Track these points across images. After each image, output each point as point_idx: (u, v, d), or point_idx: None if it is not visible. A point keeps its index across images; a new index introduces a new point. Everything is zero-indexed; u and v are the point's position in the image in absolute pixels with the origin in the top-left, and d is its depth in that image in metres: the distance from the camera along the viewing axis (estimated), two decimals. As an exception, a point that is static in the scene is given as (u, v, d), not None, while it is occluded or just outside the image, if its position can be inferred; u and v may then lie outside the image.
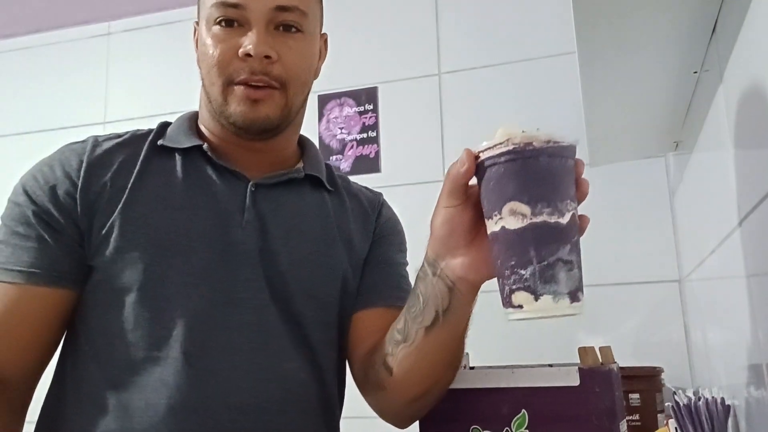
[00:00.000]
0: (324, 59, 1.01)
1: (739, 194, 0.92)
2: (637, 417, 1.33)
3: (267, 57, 0.82)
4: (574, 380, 0.76)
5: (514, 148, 0.61)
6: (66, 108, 2.26)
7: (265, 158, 0.91)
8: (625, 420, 0.79)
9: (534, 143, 0.60)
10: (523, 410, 0.77)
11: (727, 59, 0.93)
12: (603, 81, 1.17)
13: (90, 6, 2.28)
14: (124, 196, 0.82)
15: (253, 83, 0.83)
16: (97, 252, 0.80)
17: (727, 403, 1.02)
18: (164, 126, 0.93)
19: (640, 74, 1.15)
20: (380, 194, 1.05)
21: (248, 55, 0.82)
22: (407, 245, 1.02)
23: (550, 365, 0.80)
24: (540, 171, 0.60)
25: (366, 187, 1.05)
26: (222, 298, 0.80)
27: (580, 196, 0.65)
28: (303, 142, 1.00)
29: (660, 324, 1.66)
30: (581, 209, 0.68)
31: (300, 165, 0.94)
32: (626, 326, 1.68)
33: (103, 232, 0.80)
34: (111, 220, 0.80)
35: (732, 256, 1.00)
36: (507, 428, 0.76)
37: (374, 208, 1.00)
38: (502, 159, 0.62)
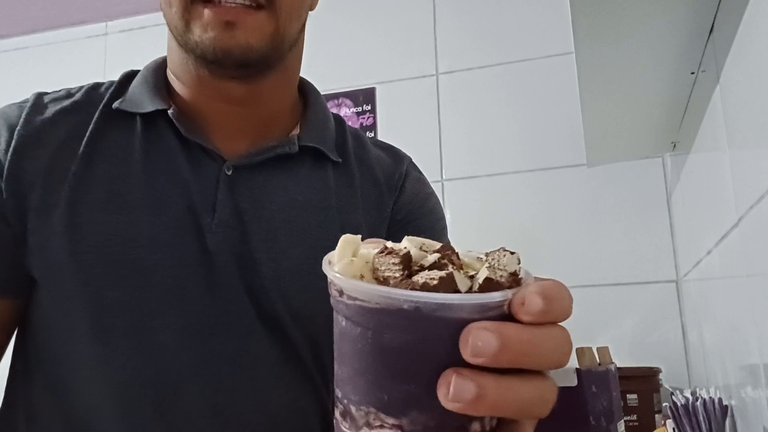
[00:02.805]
0: None
1: (736, 195, 0.92)
2: (634, 417, 1.34)
3: None
4: (572, 380, 0.76)
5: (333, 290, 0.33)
6: (63, 108, 2.26)
7: (250, 117, 0.69)
8: (622, 420, 0.80)
9: (344, 288, 0.31)
10: (521, 411, 0.77)
11: (724, 60, 0.93)
12: (600, 81, 1.17)
13: (87, 6, 2.28)
14: (66, 189, 0.62)
15: (226, 2, 0.60)
16: (36, 263, 0.62)
17: (724, 403, 1.02)
18: (129, 78, 0.71)
19: (638, 75, 1.15)
20: (405, 160, 0.79)
21: None
22: None
23: (548, 365, 0.80)
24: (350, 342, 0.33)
25: (388, 149, 0.80)
26: (197, 325, 0.62)
27: (451, 400, 0.29)
28: (305, 93, 0.77)
29: (657, 324, 1.66)
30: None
31: (296, 132, 0.72)
32: (624, 327, 1.68)
33: (41, 238, 0.61)
34: (50, 223, 0.61)
35: (729, 256, 1.00)
36: (505, 429, 0.76)
37: (394, 185, 0.75)
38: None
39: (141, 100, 0.68)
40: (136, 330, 0.61)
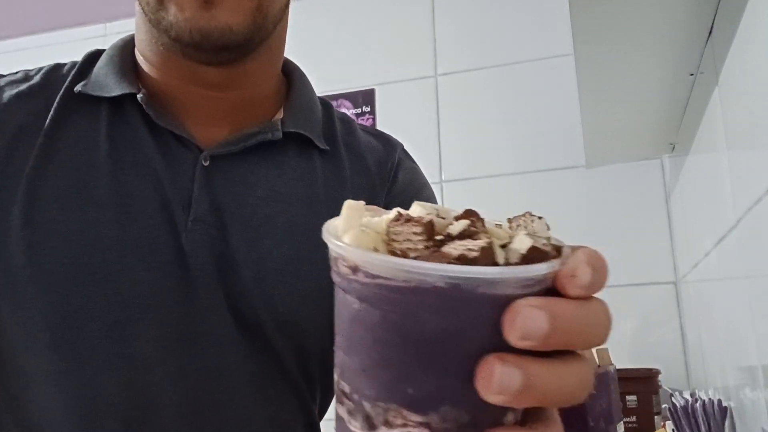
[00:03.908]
0: None
1: (734, 196, 0.92)
2: (634, 419, 1.33)
3: None
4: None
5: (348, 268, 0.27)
6: (62, 109, 2.26)
7: (228, 102, 0.62)
8: (622, 422, 0.80)
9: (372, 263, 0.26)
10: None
11: (723, 61, 0.93)
12: (599, 83, 1.18)
13: (86, 8, 2.28)
14: (23, 184, 0.56)
15: None
16: None
17: (723, 404, 1.02)
18: (93, 57, 0.65)
19: (637, 76, 1.15)
20: (397, 147, 0.73)
21: None
22: None
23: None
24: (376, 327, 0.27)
25: (380, 136, 0.74)
26: (172, 335, 0.56)
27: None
28: (290, 74, 0.70)
29: (656, 326, 1.66)
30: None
31: (279, 116, 0.65)
32: (623, 328, 1.68)
33: None
34: (6, 222, 0.55)
35: (728, 257, 1.00)
36: (504, 430, 0.76)
37: (386, 174, 0.69)
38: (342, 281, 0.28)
39: (106, 82, 0.61)
40: (104, 341, 0.54)
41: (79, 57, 0.67)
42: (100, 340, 0.54)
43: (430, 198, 0.73)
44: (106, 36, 2.32)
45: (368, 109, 2.01)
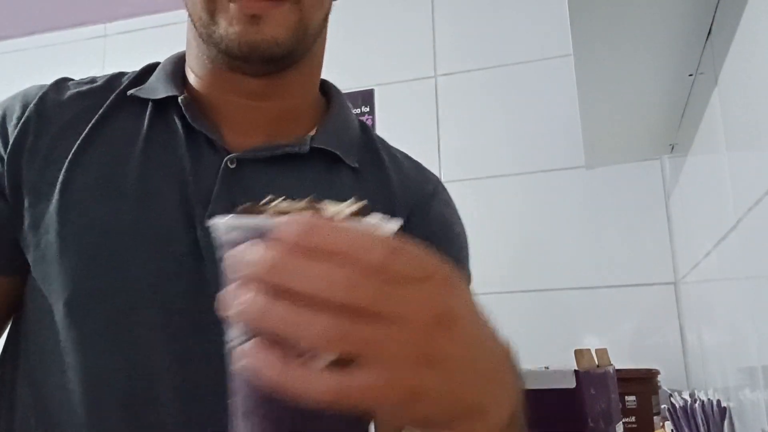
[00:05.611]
0: None
1: (734, 197, 0.92)
2: (633, 419, 1.33)
3: None
4: (570, 382, 0.76)
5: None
6: (62, 110, 2.26)
7: (265, 112, 0.66)
8: (621, 422, 0.80)
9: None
10: (520, 412, 0.77)
11: (722, 62, 0.93)
12: (599, 83, 1.18)
13: (86, 8, 2.28)
14: (63, 170, 0.61)
15: None
16: (29, 243, 0.61)
17: (723, 405, 1.02)
18: (150, 68, 0.71)
19: (636, 77, 1.15)
20: (434, 180, 0.75)
21: None
22: None
23: (546, 368, 0.80)
24: None
25: (418, 167, 0.76)
26: (176, 323, 0.59)
27: None
28: (329, 94, 0.75)
29: (656, 326, 1.66)
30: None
31: (312, 132, 0.68)
32: (622, 328, 1.68)
33: (34, 217, 0.61)
34: (45, 203, 0.61)
35: (728, 258, 1.00)
36: (503, 430, 0.76)
37: (410, 202, 0.70)
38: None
39: (156, 87, 0.66)
40: (109, 325, 0.58)
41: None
42: (105, 324, 0.58)
43: (461, 233, 0.73)
44: (106, 36, 2.31)
45: (367, 109, 2.01)
